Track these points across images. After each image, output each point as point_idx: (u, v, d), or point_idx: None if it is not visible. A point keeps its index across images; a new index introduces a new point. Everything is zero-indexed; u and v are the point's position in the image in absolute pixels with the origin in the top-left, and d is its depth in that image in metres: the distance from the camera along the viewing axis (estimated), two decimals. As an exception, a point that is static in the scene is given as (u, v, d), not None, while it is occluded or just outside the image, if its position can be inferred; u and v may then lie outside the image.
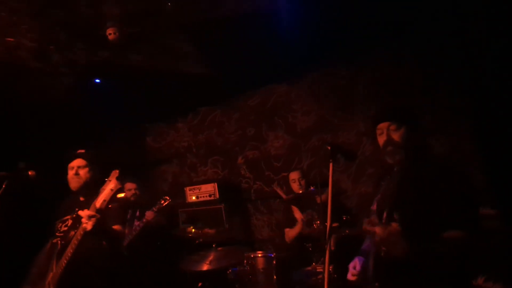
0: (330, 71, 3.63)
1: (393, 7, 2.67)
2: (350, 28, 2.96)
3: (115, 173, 1.86)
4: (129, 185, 3.42)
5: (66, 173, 2.18)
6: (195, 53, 3.29)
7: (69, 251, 1.88)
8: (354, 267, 1.58)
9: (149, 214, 3.19)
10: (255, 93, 4.18)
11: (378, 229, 1.32)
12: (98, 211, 1.78)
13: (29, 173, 2.15)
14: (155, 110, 4.70)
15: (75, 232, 1.89)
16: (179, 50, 3.21)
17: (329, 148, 1.48)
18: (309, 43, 3.16)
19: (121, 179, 1.85)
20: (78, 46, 2.89)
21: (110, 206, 1.85)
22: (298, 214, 3.17)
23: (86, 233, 1.82)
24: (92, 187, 2.10)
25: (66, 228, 2.13)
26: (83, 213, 1.81)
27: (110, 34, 2.58)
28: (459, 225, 1.30)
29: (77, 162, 2.14)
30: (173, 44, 3.10)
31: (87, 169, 2.14)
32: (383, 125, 1.52)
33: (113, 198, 1.81)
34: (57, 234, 2.15)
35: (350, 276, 1.59)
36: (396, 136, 1.49)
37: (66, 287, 1.97)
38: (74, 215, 2.08)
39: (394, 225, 1.29)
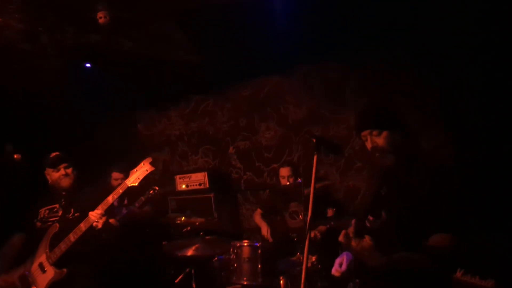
0: (322, 64, 3.63)
1: (387, 3, 2.66)
2: (343, 22, 2.95)
3: (148, 159, 2.17)
4: (116, 175, 3.41)
5: (42, 175, 2.37)
6: (188, 41, 3.25)
7: (77, 232, 2.10)
8: (341, 264, 1.56)
9: (131, 212, 3.17)
10: (248, 84, 4.17)
11: (352, 243, 1.34)
12: (131, 187, 2.10)
13: (15, 156, 2.20)
14: (147, 97, 4.67)
15: (80, 221, 2.11)
16: (171, 37, 3.17)
17: (314, 140, 1.49)
18: (302, 35, 3.15)
19: (154, 164, 2.17)
20: (68, 29, 2.83)
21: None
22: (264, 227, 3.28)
23: (93, 228, 2.08)
24: (81, 180, 2.39)
25: (57, 215, 2.30)
26: (94, 213, 2.06)
27: (100, 17, 2.54)
28: (447, 227, 1.29)
29: (60, 163, 2.32)
30: (165, 31, 3.05)
31: (71, 168, 2.36)
32: (365, 133, 1.53)
33: (146, 178, 2.12)
34: (50, 220, 2.28)
35: (334, 271, 1.59)
36: (380, 142, 1.49)
37: (63, 265, 2.10)
38: (63, 202, 2.32)
39: (367, 239, 1.29)
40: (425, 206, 1.33)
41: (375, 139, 1.49)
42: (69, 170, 2.33)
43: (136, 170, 2.13)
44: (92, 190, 2.40)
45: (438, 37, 2.82)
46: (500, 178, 2.47)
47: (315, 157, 1.49)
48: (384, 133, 1.47)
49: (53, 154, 2.37)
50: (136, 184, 2.11)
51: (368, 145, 1.53)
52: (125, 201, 3.29)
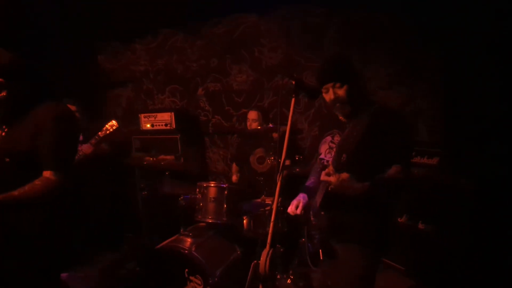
0: (304, 6, 3.43)
1: None
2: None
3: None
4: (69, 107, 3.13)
5: None
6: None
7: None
8: (297, 206, 1.78)
9: (86, 147, 3.01)
10: (222, 20, 3.88)
11: (332, 178, 1.48)
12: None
13: None
14: (109, 27, 4.21)
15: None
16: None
17: (293, 83, 1.44)
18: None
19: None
20: None
21: None
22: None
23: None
24: (19, 112, 1.70)
25: None
26: None
27: None
28: (397, 162, 1.55)
29: None
30: None
31: (5, 89, 1.62)
32: (328, 85, 1.66)
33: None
34: None
35: (289, 211, 1.81)
36: (341, 93, 1.64)
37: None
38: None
39: (344, 173, 1.47)
40: (379, 148, 1.56)
41: (337, 91, 1.64)
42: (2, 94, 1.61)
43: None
44: (31, 124, 1.67)
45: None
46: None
47: (293, 100, 1.46)
48: (345, 86, 1.63)
49: None
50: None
51: (329, 96, 1.67)
52: (80, 137, 3.10)
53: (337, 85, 1.64)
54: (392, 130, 1.56)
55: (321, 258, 1.78)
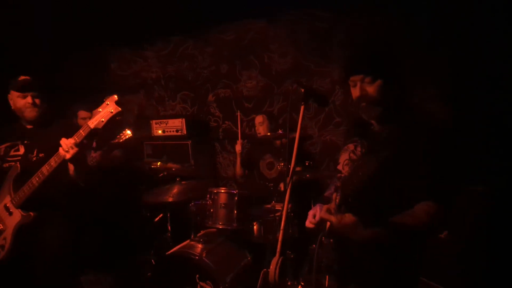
0: (311, 11, 3.44)
1: None
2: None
3: (113, 97, 1.85)
4: (83, 114, 3.19)
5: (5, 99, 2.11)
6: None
7: (39, 176, 1.93)
8: (314, 215, 1.46)
9: (99, 155, 3.05)
10: (231, 27, 3.93)
11: (333, 219, 1.21)
12: (94, 130, 1.84)
13: None
14: (122, 35, 4.31)
15: (50, 158, 1.92)
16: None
17: (303, 90, 1.42)
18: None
19: (120, 104, 1.86)
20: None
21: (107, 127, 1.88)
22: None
23: (64, 161, 1.88)
24: (48, 116, 2.14)
25: (18, 153, 2.08)
26: (65, 142, 1.84)
27: None
28: (433, 196, 1.18)
29: (28, 90, 2.04)
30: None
31: (40, 99, 2.08)
32: (356, 78, 1.32)
33: (112, 120, 1.84)
34: (7, 159, 2.08)
35: (308, 224, 1.49)
36: (371, 90, 1.30)
37: (30, 209, 1.99)
38: (26, 141, 2.10)
39: (348, 216, 1.19)
40: (408, 169, 1.20)
41: (365, 87, 1.31)
42: (38, 100, 2.06)
43: (100, 110, 1.85)
44: (60, 128, 2.13)
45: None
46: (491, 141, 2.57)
47: (302, 107, 1.44)
48: (378, 82, 1.29)
49: (22, 77, 2.07)
50: (100, 127, 1.82)
51: (355, 92, 1.34)
52: (94, 144, 3.17)
53: (367, 79, 1.30)
54: (427, 150, 1.18)
55: (327, 284, 1.50)
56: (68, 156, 1.84)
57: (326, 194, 1.70)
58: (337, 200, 1.24)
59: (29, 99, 2.04)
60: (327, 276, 1.49)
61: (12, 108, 2.11)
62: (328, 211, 1.24)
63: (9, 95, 2.11)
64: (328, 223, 1.32)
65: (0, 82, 2.16)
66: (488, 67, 2.57)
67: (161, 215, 3.19)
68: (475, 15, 2.55)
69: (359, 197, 1.24)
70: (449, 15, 2.70)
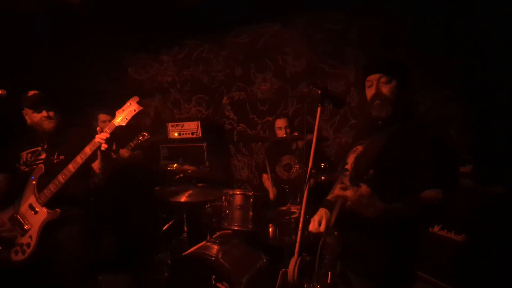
0: (325, 13, 3.44)
1: None
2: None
3: (135, 98, 2.00)
4: (104, 117, 3.30)
5: (21, 114, 2.22)
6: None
7: (66, 173, 2.04)
8: (319, 222, 1.54)
9: (124, 152, 3.16)
10: (246, 31, 3.96)
11: (349, 193, 1.25)
12: (118, 127, 1.96)
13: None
14: (139, 39, 4.41)
15: (66, 164, 2.05)
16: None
17: (319, 92, 1.43)
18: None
19: (141, 104, 2.00)
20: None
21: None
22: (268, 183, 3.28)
23: (90, 156, 2.02)
24: (65, 123, 2.26)
25: (40, 157, 2.21)
26: (99, 136, 1.97)
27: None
28: (439, 184, 1.28)
29: (41, 105, 2.16)
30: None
31: (53, 111, 2.20)
32: (373, 77, 1.44)
33: (134, 118, 1.97)
34: (34, 163, 2.19)
35: (311, 229, 1.56)
36: (385, 90, 1.42)
37: (55, 206, 2.08)
38: (46, 146, 2.23)
39: (364, 187, 1.23)
40: (417, 165, 1.31)
41: (381, 86, 1.42)
42: (52, 113, 2.18)
43: (123, 110, 1.98)
44: (77, 132, 2.26)
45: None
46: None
47: (319, 109, 1.45)
48: (393, 83, 1.41)
49: (32, 92, 2.18)
50: (124, 124, 1.95)
51: (370, 91, 1.45)
52: (113, 146, 3.26)
53: (384, 79, 1.42)
54: (435, 146, 1.31)
55: (329, 281, 1.54)
56: (104, 146, 1.97)
57: (329, 197, 1.72)
58: (352, 175, 1.30)
59: (44, 113, 2.16)
60: (329, 273, 1.53)
61: (29, 123, 2.22)
62: (343, 187, 1.28)
63: (23, 111, 2.21)
64: (333, 220, 1.43)
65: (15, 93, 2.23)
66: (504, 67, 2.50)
67: (177, 216, 3.24)
68: (490, 15, 2.49)
69: (372, 172, 1.30)
70: (462, 15, 2.65)
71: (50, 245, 2.05)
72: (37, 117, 2.17)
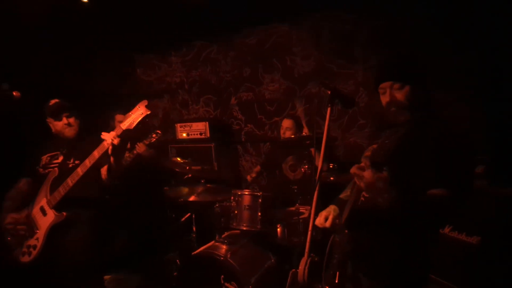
0: (334, 13, 3.43)
1: None
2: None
3: (144, 102, 2.04)
4: (120, 117, 3.35)
5: (45, 121, 2.32)
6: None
7: (74, 176, 2.08)
8: (326, 217, 1.55)
9: (140, 146, 3.22)
10: (254, 31, 3.97)
11: (367, 173, 1.18)
12: (126, 131, 1.99)
13: (14, 93, 2.09)
14: (147, 41, 4.45)
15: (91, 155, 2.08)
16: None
17: (329, 92, 1.43)
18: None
19: (150, 107, 2.03)
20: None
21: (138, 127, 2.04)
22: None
23: (99, 160, 2.05)
24: (83, 131, 2.35)
25: (57, 161, 2.28)
26: (106, 134, 2.00)
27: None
28: (452, 185, 1.24)
29: (61, 112, 2.25)
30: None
31: (73, 117, 2.29)
32: (385, 85, 1.41)
33: (142, 121, 2.01)
34: (50, 166, 2.26)
35: (317, 222, 1.57)
36: (399, 96, 1.39)
37: (63, 209, 2.11)
38: (65, 150, 2.32)
39: (385, 172, 1.19)
40: (431, 164, 1.28)
41: (395, 93, 1.40)
42: (72, 120, 2.27)
43: (131, 114, 2.02)
44: (96, 138, 2.27)
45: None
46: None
47: (329, 109, 1.45)
48: (407, 88, 1.38)
49: (53, 101, 2.28)
50: (131, 128, 1.99)
51: (385, 98, 1.42)
52: (128, 145, 3.31)
53: (396, 86, 1.39)
54: (452, 148, 1.27)
55: (336, 281, 1.51)
56: (115, 142, 1.97)
57: (342, 195, 1.72)
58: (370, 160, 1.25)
59: (64, 120, 2.25)
60: (337, 272, 1.51)
61: (53, 131, 2.32)
62: (361, 167, 1.22)
63: (47, 120, 2.32)
64: (344, 218, 1.42)
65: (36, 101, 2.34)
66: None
67: (188, 214, 3.25)
68: (502, 15, 2.45)
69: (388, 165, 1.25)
70: (474, 15, 2.61)
71: (55, 247, 2.09)
72: (59, 125, 2.26)
